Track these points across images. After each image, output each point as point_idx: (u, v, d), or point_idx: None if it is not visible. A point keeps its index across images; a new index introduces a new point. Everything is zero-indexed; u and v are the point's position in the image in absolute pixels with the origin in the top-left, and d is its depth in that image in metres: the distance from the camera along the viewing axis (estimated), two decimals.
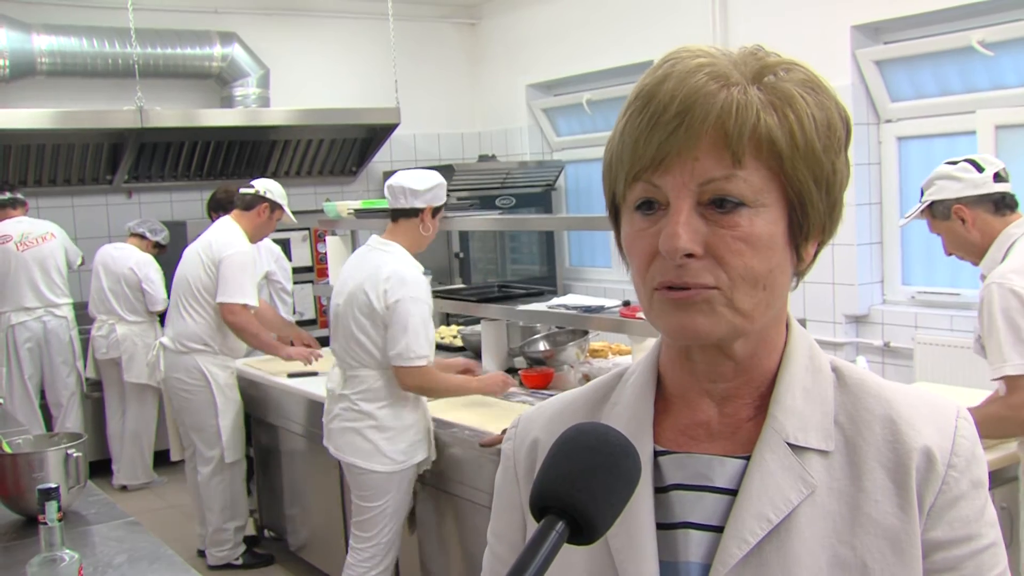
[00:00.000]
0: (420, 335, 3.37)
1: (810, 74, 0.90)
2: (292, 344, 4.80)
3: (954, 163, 2.88)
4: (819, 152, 0.88)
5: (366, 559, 3.53)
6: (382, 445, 3.44)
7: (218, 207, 5.45)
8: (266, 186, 4.74)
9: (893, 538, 0.88)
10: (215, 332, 4.58)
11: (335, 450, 3.54)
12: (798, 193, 0.88)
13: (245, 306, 4.54)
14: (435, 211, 3.56)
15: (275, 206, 4.72)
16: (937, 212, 2.87)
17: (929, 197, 2.88)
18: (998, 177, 2.82)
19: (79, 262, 6.13)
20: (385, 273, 3.39)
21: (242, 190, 4.77)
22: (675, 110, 0.85)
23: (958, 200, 2.81)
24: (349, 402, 3.49)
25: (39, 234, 5.91)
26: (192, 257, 4.62)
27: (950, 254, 2.95)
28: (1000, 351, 2.62)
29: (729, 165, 0.85)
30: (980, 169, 2.82)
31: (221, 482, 4.64)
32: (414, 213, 3.50)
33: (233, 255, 4.53)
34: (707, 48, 0.90)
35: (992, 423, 2.64)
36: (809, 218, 0.90)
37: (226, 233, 4.62)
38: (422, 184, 3.49)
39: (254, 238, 4.72)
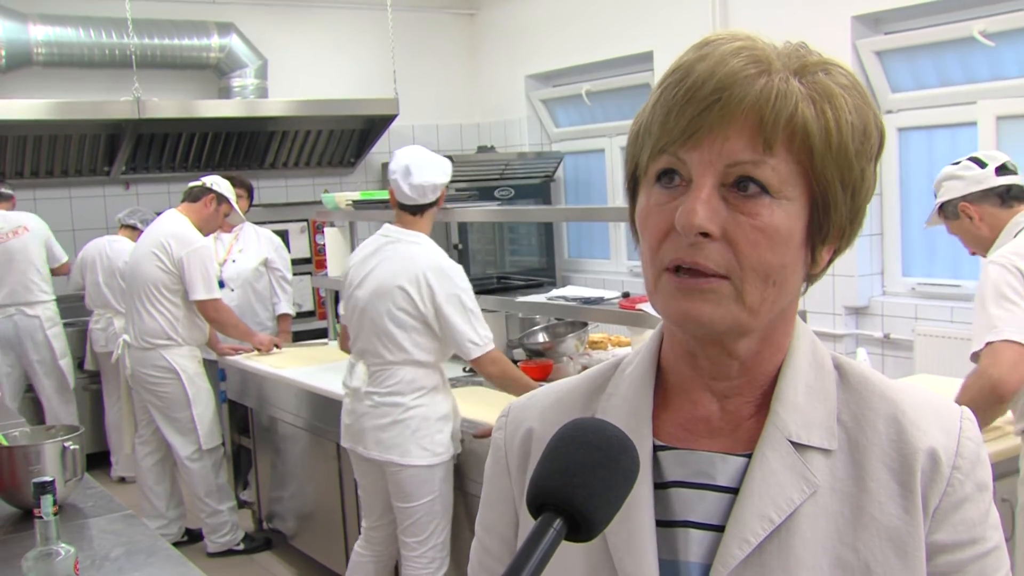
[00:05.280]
0: (480, 318, 3.32)
1: (852, 79, 0.89)
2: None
3: (957, 163, 2.93)
4: (851, 155, 0.86)
5: (423, 566, 3.36)
6: (419, 437, 3.28)
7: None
8: (213, 180, 4.77)
9: (897, 540, 0.87)
10: (177, 326, 4.58)
11: (365, 449, 3.36)
12: (823, 192, 0.86)
13: (218, 299, 4.61)
14: None
15: (221, 199, 4.72)
16: (948, 213, 2.93)
17: (939, 200, 2.94)
18: (1003, 170, 2.85)
19: (63, 261, 5.93)
20: (423, 267, 3.28)
21: (190, 184, 4.79)
22: (712, 87, 0.84)
23: (963, 198, 2.86)
24: (379, 398, 3.32)
25: (10, 228, 5.72)
26: (145, 255, 4.58)
27: (973, 253, 2.98)
28: (986, 323, 2.61)
29: (759, 150, 0.84)
30: (982, 165, 2.86)
31: (202, 468, 4.66)
32: (435, 203, 3.45)
33: (194, 251, 4.52)
34: (750, 33, 0.88)
35: (975, 401, 2.58)
36: (831, 219, 0.88)
37: (178, 228, 4.59)
38: (445, 175, 3.43)
39: (203, 231, 4.70)
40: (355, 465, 3.55)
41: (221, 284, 5.28)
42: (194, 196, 4.70)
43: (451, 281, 3.29)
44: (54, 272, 5.92)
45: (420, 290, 3.26)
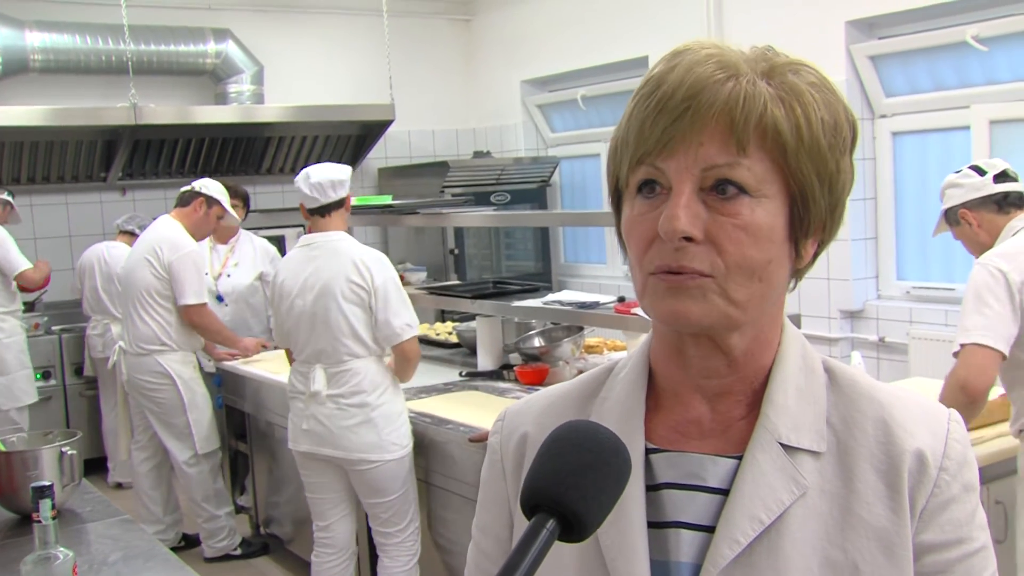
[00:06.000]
0: (411, 306, 3.51)
1: (820, 76, 0.91)
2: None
3: (959, 171, 3.04)
4: (824, 149, 0.88)
5: (406, 550, 3.53)
6: (388, 433, 3.45)
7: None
8: (203, 183, 4.75)
9: (884, 540, 0.88)
10: (171, 331, 4.57)
11: (333, 450, 3.49)
12: (800, 187, 0.88)
13: (204, 304, 4.59)
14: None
15: (211, 202, 4.70)
16: (951, 219, 3.03)
17: (942, 207, 3.05)
18: (1002, 177, 2.95)
19: (20, 269, 5.49)
20: (358, 255, 3.47)
21: (182, 189, 4.80)
22: (682, 95, 0.86)
23: (962, 205, 2.96)
24: (343, 399, 3.45)
25: None
26: (138, 261, 4.59)
27: (977, 256, 3.02)
28: (962, 326, 2.75)
29: (733, 152, 0.86)
30: (982, 173, 2.96)
31: (199, 473, 4.65)
32: (342, 203, 3.58)
33: (183, 256, 4.52)
34: (718, 42, 0.90)
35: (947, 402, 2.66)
36: (810, 213, 0.90)
37: (169, 233, 4.59)
38: (342, 173, 3.59)
39: (196, 235, 4.68)
40: (307, 466, 3.66)
41: (219, 298, 5.28)
42: (184, 201, 4.71)
43: (384, 266, 3.48)
44: (18, 280, 5.53)
45: (362, 275, 3.43)
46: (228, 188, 5.12)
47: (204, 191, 4.69)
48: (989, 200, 2.92)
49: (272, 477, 4.75)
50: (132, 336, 4.60)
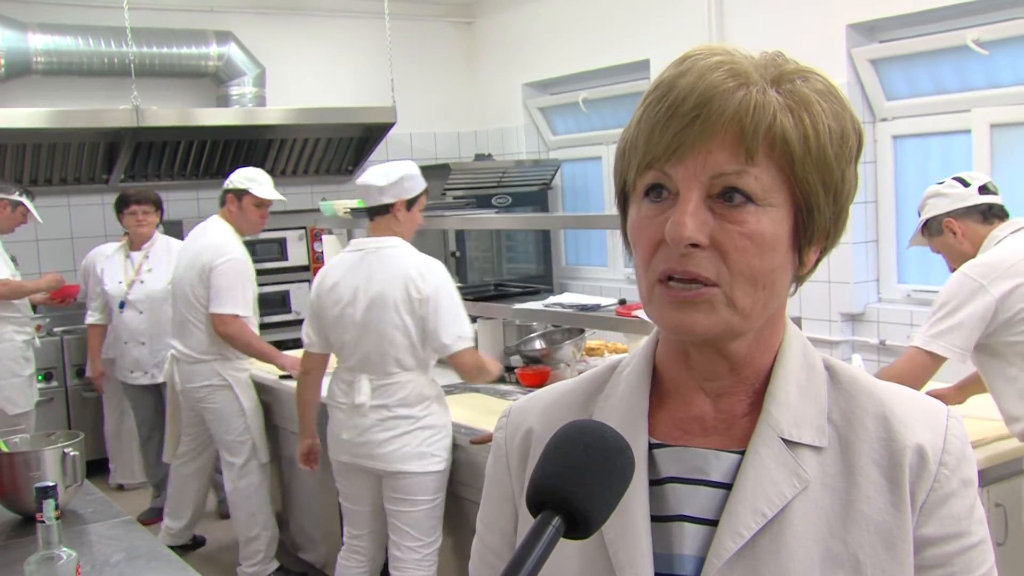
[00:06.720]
0: (466, 316, 3.37)
1: (828, 84, 0.92)
2: None
3: (941, 182, 3.07)
4: (830, 158, 0.89)
5: (426, 568, 3.41)
6: (429, 444, 3.34)
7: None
8: (230, 178, 4.56)
9: (885, 534, 0.89)
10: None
11: (373, 462, 3.39)
12: (806, 196, 0.89)
13: (236, 316, 4.36)
14: (409, 203, 3.43)
15: (239, 194, 4.48)
16: (932, 229, 3.06)
17: (923, 217, 3.07)
18: (984, 190, 2.99)
19: None
20: (412, 265, 3.32)
21: None
22: (693, 102, 0.87)
23: (947, 214, 2.99)
24: (386, 411, 3.35)
25: None
26: (187, 266, 4.46)
27: (953, 270, 3.05)
28: (925, 325, 2.87)
29: (742, 161, 0.86)
30: (966, 184, 3.00)
31: (249, 486, 4.49)
32: (385, 210, 3.40)
33: (223, 264, 4.36)
34: (727, 47, 0.91)
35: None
36: (815, 222, 0.91)
37: (217, 237, 4.44)
38: (385, 179, 3.39)
39: (242, 231, 4.51)
40: (343, 476, 3.56)
41: (121, 305, 5.21)
42: (221, 201, 4.56)
43: (441, 273, 3.35)
44: None
45: (418, 284, 3.29)
46: (135, 194, 5.05)
47: (229, 186, 4.52)
48: (975, 210, 2.96)
49: (281, 483, 4.71)
50: (185, 344, 4.47)
